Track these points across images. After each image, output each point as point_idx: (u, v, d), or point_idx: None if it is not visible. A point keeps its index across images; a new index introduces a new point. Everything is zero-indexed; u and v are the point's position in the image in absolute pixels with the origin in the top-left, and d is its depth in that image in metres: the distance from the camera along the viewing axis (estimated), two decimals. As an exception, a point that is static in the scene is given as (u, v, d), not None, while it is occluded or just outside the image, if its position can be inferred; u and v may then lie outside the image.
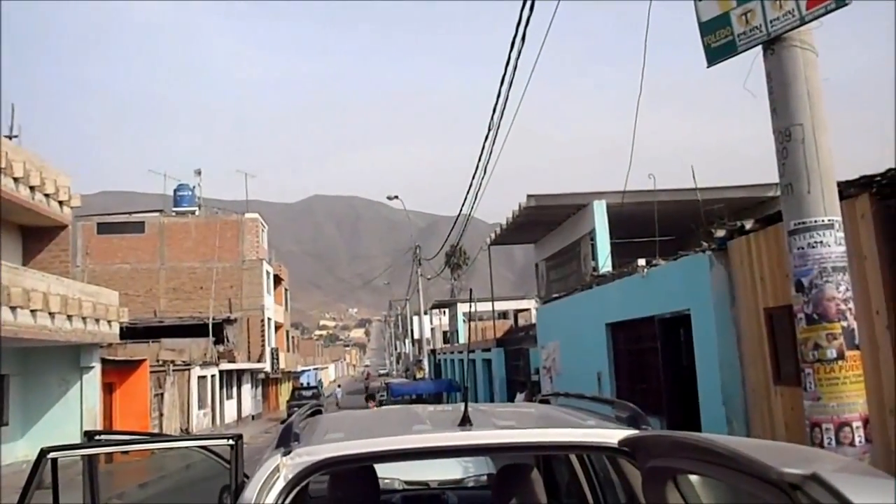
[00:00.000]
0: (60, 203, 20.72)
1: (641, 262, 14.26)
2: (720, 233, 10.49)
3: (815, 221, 4.94)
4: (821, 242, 4.91)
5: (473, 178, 15.56)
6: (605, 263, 19.59)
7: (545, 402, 4.56)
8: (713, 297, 10.47)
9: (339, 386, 68.73)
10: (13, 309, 15.54)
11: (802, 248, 4.97)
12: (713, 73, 5.77)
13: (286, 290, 61.32)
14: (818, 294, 4.88)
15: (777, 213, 6.31)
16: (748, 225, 9.77)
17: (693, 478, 2.49)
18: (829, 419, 4.80)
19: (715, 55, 5.53)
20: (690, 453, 2.26)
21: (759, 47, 5.28)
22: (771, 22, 5.10)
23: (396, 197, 41.60)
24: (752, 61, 5.41)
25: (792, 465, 1.72)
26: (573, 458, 4.04)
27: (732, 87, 5.85)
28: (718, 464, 2.03)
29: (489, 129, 12.68)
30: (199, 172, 53.81)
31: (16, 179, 17.99)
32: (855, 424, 4.78)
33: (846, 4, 4.83)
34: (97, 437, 4.75)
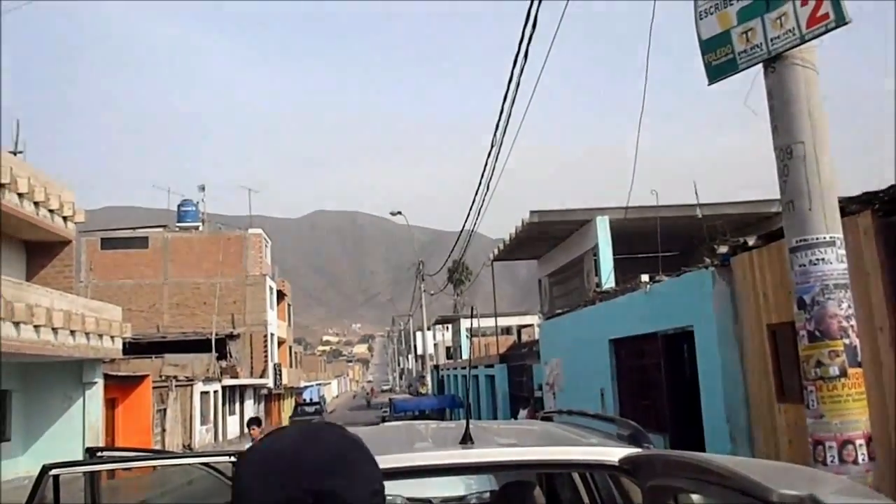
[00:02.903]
0: (64, 218, 20.77)
1: (644, 277, 14.25)
2: (723, 249, 10.49)
3: (817, 239, 4.95)
4: (822, 259, 4.92)
5: (476, 193, 15.61)
6: (608, 279, 19.59)
7: (548, 419, 4.56)
8: (716, 314, 10.46)
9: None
10: (16, 324, 15.55)
11: (804, 266, 4.98)
12: (715, 90, 5.80)
13: (289, 305, 61.30)
14: (820, 311, 4.88)
15: (780, 230, 6.32)
16: (751, 241, 9.77)
17: (695, 497, 2.49)
18: (832, 437, 4.79)
19: (716, 73, 5.56)
20: (690, 473, 2.27)
21: (760, 65, 5.31)
22: (771, 40, 5.14)
23: (400, 213, 41.67)
24: (752, 79, 5.45)
25: (790, 487, 1.72)
26: (575, 475, 4.03)
27: (734, 104, 5.88)
28: (718, 484, 2.04)
29: (492, 145, 12.74)
30: (202, 188, 54.07)
31: (20, 195, 18.04)
32: (858, 442, 4.77)
33: (846, 23, 4.86)
34: (99, 454, 4.75)
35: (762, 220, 19.38)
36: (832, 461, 4.76)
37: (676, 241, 18.22)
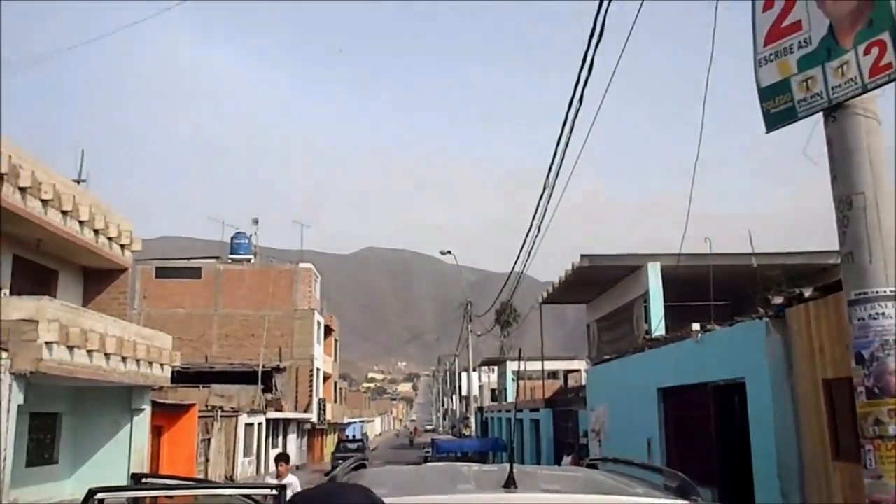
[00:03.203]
0: (122, 247, 21.22)
1: (695, 326, 14.01)
2: (778, 300, 10.27)
3: (877, 292, 4.81)
4: (882, 314, 4.78)
5: (527, 235, 15.56)
6: (658, 327, 19.31)
7: (593, 466, 4.48)
8: (769, 366, 10.21)
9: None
10: (70, 348, 15.86)
11: (863, 319, 4.84)
12: (773, 139, 5.72)
13: (336, 340, 61.58)
14: (879, 367, 4.73)
15: (838, 282, 6.17)
16: (807, 292, 9.55)
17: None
18: (891, 499, 4.61)
19: (774, 121, 5.49)
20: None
21: (820, 114, 5.22)
22: (832, 89, 5.06)
23: (449, 252, 41.76)
24: (812, 127, 5.36)
25: None
26: (620, 526, 3.93)
27: (792, 153, 5.79)
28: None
29: (544, 188, 12.70)
30: (256, 221, 54.99)
31: (81, 222, 18.55)
32: (918, 506, 4.58)
33: (911, 73, 4.76)
34: (144, 480, 4.80)
35: (819, 271, 18.95)
36: (890, 524, 4.57)
37: (729, 290, 17.89)
